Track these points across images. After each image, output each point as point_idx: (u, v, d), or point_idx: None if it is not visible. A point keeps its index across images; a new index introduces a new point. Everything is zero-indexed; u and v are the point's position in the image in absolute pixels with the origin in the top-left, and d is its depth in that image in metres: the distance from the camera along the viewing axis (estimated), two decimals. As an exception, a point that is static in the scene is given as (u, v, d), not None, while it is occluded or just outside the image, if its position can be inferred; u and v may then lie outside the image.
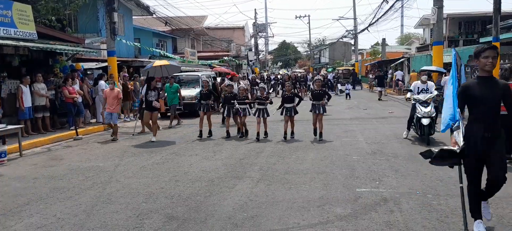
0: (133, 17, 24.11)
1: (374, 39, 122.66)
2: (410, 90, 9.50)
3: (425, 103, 8.81)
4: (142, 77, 15.80)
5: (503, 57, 15.69)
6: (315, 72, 44.86)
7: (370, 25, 32.96)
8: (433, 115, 8.67)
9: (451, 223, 4.19)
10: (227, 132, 10.29)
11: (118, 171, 6.99)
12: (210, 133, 10.51)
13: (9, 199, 5.54)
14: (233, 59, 36.33)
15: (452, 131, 3.78)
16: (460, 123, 3.83)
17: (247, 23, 51.42)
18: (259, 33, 48.48)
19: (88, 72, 15.33)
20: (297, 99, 9.71)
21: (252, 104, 10.62)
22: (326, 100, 9.66)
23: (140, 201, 5.23)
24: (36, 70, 12.04)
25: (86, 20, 18.34)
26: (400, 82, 24.18)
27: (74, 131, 11.09)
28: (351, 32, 43.00)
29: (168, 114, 13.56)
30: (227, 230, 4.21)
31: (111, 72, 14.68)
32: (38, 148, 9.78)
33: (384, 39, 35.84)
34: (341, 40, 53.00)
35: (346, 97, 23.01)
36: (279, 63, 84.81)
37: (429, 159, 3.84)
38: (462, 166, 3.94)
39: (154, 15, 22.29)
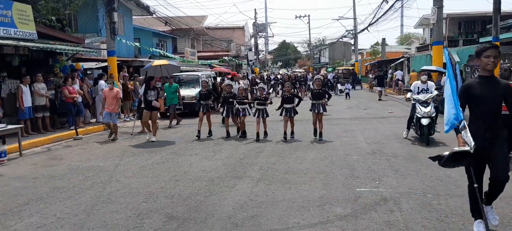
0: (133, 17, 24.11)
1: (374, 39, 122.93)
2: (410, 90, 9.48)
3: (425, 103, 8.79)
4: (140, 77, 15.82)
5: (503, 57, 15.70)
6: (315, 72, 44.88)
7: (370, 25, 32.96)
8: (433, 115, 8.65)
9: (451, 223, 4.19)
10: (227, 132, 10.29)
11: (118, 170, 7.00)
12: (210, 132, 10.51)
13: (9, 198, 5.54)
14: (233, 59, 36.34)
15: (456, 131, 3.70)
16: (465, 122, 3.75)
17: (247, 23, 51.49)
18: (259, 33, 48.47)
19: (88, 72, 15.34)
20: (296, 100, 9.70)
21: (251, 104, 10.60)
22: (326, 100, 9.65)
23: (140, 200, 5.24)
24: (36, 70, 12.04)
25: (86, 20, 18.34)
26: (400, 82, 24.19)
27: (74, 131, 11.10)
28: (351, 32, 42.99)
29: (168, 114, 13.56)
30: (227, 229, 4.21)
31: (111, 72, 14.69)
32: (38, 147, 9.78)
33: (384, 39, 35.84)
34: (341, 40, 52.99)
35: (346, 97, 23.03)
36: (279, 63, 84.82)
37: (439, 161, 3.69)
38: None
39: (154, 15, 22.29)
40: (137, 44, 20.81)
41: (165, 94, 13.08)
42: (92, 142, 10.40)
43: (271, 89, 27.53)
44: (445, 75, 12.52)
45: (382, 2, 27.15)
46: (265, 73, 42.11)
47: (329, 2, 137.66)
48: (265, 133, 9.88)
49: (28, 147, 9.57)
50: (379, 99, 20.95)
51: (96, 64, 16.68)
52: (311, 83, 19.24)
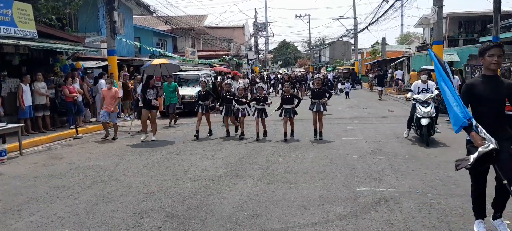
0: (133, 16, 24.11)
1: (374, 38, 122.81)
2: (410, 90, 9.45)
3: (425, 103, 8.73)
4: (138, 76, 15.84)
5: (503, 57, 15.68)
6: (315, 71, 44.88)
7: (370, 24, 32.95)
8: (433, 115, 8.61)
9: (451, 222, 4.19)
10: (227, 131, 10.29)
11: (118, 169, 7.00)
12: (210, 132, 10.50)
13: (9, 197, 5.55)
14: (233, 59, 36.35)
15: (466, 130, 3.52)
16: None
17: (247, 22, 51.48)
18: (259, 32, 48.45)
19: (88, 71, 15.35)
20: (296, 101, 9.67)
21: (250, 104, 10.54)
22: (326, 99, 9.61)
23: (140, 199, 5.24)
24: (37, 69, 12.05)
25: (86, 19, 18.34)
26: (400, 81, 24.19)
27: (74, 130, 11.10)
28: (351, 32, 42.98)
29: (168, 113, 13.54)
30: (227, 229, 4.21)
31: (111, 71, 14.68)
32: (38, 146, 9.79)
33: (384, 39, 35.81)
34: (341, 39, 52.98)
35: (346, 96, 23.03)
36: (279, 63, 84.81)
37: (467, 167, 3.47)
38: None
39: (154, 14, 22.27)
40: (137, 43, 20.81)
41: (164, 93, 13.07)
42: (92, 141, 10.40)
43: (271, 88, 27.54)
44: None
45: (382, 2, 27.17)
46: (265, 73, 42.09)
47: (329, 1, 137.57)
48: (265, 132, 9.87)
49: (28, 146, 9.58)
50: (379, 99, 20.96)
51: (96, 63, 16.69)
52: (311, 82, 19.24)
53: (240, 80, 19.25)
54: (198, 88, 10.74)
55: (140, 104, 10.77)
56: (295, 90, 22.20)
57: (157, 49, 22.45)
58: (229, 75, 20.68)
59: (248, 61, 42.33)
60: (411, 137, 9.27)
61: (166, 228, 4.27)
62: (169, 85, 13.37)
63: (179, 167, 7.02)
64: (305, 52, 79.63)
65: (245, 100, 10.23)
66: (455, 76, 11.69)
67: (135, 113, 13.42)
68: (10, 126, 8.91)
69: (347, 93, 23.39)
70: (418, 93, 9.06)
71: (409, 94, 9.58)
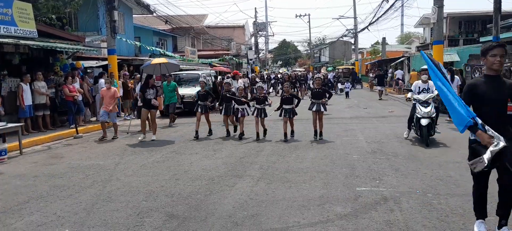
0: (134, 15, 24.09)
1: (374, 38, 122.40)
2: (411, 90, 9.42)
3: (425, 103, 8.69)
4: (138, 75, 15.84)
5: (503, 57, 15.68)
6: (315, 71, 44.87)
7: (370, 24, 32.97)
8: (433, 115, 8.57)
9: (451, 222, 4.19)
10: (227, 131, 10.28)
11: (118, 169, 7.00)
12: (210, 132, 10.49)
13: (9, 197, 5.55)
14: (233, 58, 36.34)
15: (471, 130, 3.48)
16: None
17: (247, 22, 51.47)
18: (259, 32, 48.44)
19: (88, 70, 15.34)
20: (296, 101, 9.65)
21: (249, 104, 10.50)
22: (326, 99, 9.59)
23: (141, 199, 5.24)
24: (37, 68, 12.05)
25: (86, 18, 18.33)
26: (400, 81, 24.19)
27: (74, 129, 11.10)
28: (351, 31, 42.98)
29: (169, 113, 13.53)
30: (227, 228, 4.21)
31: (111, 71, 14.68)
32: (38, 146, 9.79)
33: (384, 38, 35.84)
34: (341, 39, 53.00)
35: (346, 96, 23.03)
36: (279, 62, 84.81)
37: (485, 167, 3.39)
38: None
39: (154, 14, 22.27)
40: (138, 43, 20.81)
41: (163, 93, 13.06)
42: (93, 140, 10.40)
43: (271, 88, 27.54)
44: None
45: (382, 2, 27.19)
46: (265, 72, 42.08)
47: (330, 1, 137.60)
48: (265, 131, 9.85)
49: (29, 145, 9.57)
50: (380, 99, 20.96)
51: (96, 62, 16.69)
52: (311, 82, 19.24)
53: (240, 80, 19.25)
54: (198, 88, 10.70)
55: (140, 104, 10.76)
56: (295, 90, 22.21)
57: (157, 49, 22.46)
58: (229, 75, 20.67)
59: (248, 61, 42.33)
60: (411, 137, 9.26)
61: (166, 228, 4.26)
62: (168, 84, 13.36)
63: (179, 167, 7.02)
64: (305, 52, 79.63)
65: (245, 99, 10.20)
66: (455, 76, 11.72)
67: (135, 113, 13.43)
68: (10, 125, 8.91)
69: (347, 93, 23.38)
70: (418, 93, 9.01)
71: (409, 94, 9.55)
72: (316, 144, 8.85)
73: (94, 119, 13.83)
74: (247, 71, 33.39)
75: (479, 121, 3.43)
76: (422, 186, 5.46)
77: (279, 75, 33.09)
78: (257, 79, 23.29)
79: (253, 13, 46.98)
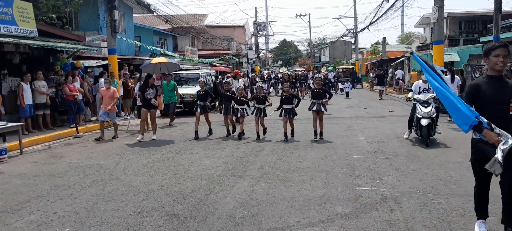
0: (134, 15, 24.09)
1: (375, 38, 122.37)
2: (411, 90, 9.40)
3: (425, 103, 8.67)
4: (137, 74, 15.83)
5: (503, 57, 15.66)
6: (315, 71, 44.84)
7: (370, 24, 32.98)
8: (434, 115, 8.54)
9: (452, 222, 4.18)
10: (227, 130, 10.27)
11: (118, 168, 7.00)
12: (210, 131, 10.48)
13: (9, 196, 5.55)
14: (234, 58, 36.33)
15: (476, 129, 3.44)
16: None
17: (248, 22, 51.48)
18: (260, 32, 48.42)
19: (89, 70, 15.34)
20: (296, 101, 9.64)
21: (249, 103, 10.48)
22: (326, 100, 9.58)
23: (141, 199, 5.24)
24: (37, 67, 12.05)
25: (86, 18, 18.33)
26: (400, 81, 24.19)
27: (75, 129, 11.10)
28: (352, 31, 42.97)
29: (169, 112, 13.52)
30: (227, 228, 4.21)
31: (111, 70, 14.68)
32: (38, 145, 9.79)
33: (384, 38, 35.80)
34: (341, 39, 52.99)
35: (346, 96, 23.02)
36: (280, 62, 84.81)
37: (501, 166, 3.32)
38: None
39: (154, 13, 22.27)
40: (138, 42, 20.80)
41: (163, 92, 13.05)
42: (93, 140, 10.39)
43: (272, 88, 27.54)
44: (445, 75, 12.46)
45: (383, 1, 27.19)
46: (265, 72, 42.09)
47: (330, 1, 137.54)
48: (264, 130, 9.83)
49: (29, 144, 9.57)
50: (380, 99, 20.95)
51: (96, 62, 16.69)
52: (311, 82, 19.22)
53: (241, 80, 19.27)
54: (199, 87, 10.67)
55: (139, 103, 10.71)
56: (295, 89, 22.19)
57: (157, 48, 22.44)
58: (229, 75, 20.67)
59: (248, 61, 42.31)
60: (411, 137, 9.23)
61: (167, 227, 4.26)
62: (168, 84, 13.34)
63: (179, 166, 7.02)
64: (306, 52, 79.63)
65: (245, 99, 10.18)
66: (455, 76, 11.72)
67: (135, 112, 13.42)
68: (10, 124, 8.91)
69: (347, 93, 23.37)
70: (419, 93, 8.99)
71: (410, 94, 9.53)
72: (316, 144, 8.84)
73: (94, 118, 13.82)
74: (247, 71, 33.37)
75: (485, 120, 3.40)
76: (423, 186, 5.46)
77: (279, 75, 33.09)
78: (257, 79, 23.29)
79: (253, 13, 47.01)
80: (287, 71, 38.99)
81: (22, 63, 11.78)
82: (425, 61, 3.89)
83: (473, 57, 16.78)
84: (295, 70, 44.00)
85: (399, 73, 25.29)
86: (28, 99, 10.81)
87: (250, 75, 27.16)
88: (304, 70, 41.08)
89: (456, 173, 6.08)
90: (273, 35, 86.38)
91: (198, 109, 10.26)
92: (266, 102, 9.77)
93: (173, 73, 15.52)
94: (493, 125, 3.38)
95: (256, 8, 45.75)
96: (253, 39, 47.46)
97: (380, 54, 36.68)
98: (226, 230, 4.16)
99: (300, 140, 9.32)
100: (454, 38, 28.92)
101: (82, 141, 10.24)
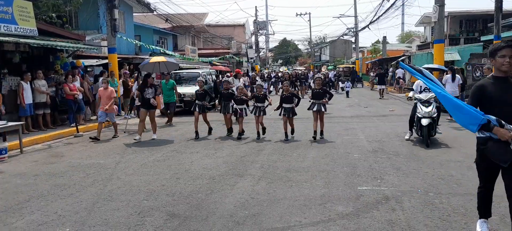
0: (134, 14, 24.07)
1: (375, 37, 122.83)
2: (412, 89, 9.37)
3: (426, 102, 8.64)
4: (135, 74, 15.81)
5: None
6: (315, 70, 44.85)
7: (371, 23, 32.92)
8: (434, 115, 8.50)
9: (453, 222, 4.17)
10: (228, 130, 10.26)
11: (119, 168, 6.99)
12: (209, 131, 10.45)
13: (10, 195, 5.54)
14: (234, 57, 36.33)
15: (484, 128, 3.38)
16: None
17: (248, 21, 51.48)
18: (260, 31, 48.43)
19: (89, 69, 15.33)
20: (296, 100, 9.61)
21: (248, 103, 10.43)
22: (327, 100, 9.54)
23: (141, 198, 5.23)
24: (37, 67, 12.03)
25: (86, 17, 18.32)
26: (401, 80, 24.18)
27: (75, 128, 11.09)
28: (352, 30, 42.94)
29: (169, 111, 13.50)
30: (228, 228, 4.20)
31: (111, 69, 14.66)
32: (38, 144, 9.78)
33: (385, 37, 35.77)
34: (342, 38, 52.98)
35: (346, 95, 23.00)
36: (280, 61, 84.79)
37: None
38: None
39: (154, 12, 22.25)
40: (138, 41, 20.78)
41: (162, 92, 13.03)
42: (88, 138, 10.37)
43: (272, 87, 27.52)
44: (445, 74, 12.46)
45: (383, 0, 27.14)
46: (265, 71, 42.06)
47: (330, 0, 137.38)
48: (264, 129, 9.80)
49: (29, 144, 9.56)
50: (380, 98, 20.93)
51: (96, 61, 16.67)
52: (311, 81, 19.19)
53: (241, 79, 19.27)
54: (197, 87, 10.63)
55: (137, 103, 10.66)
56: (295, 88, 22.17)
57: (157, 47, 22.42)
58: (229, 75, 20.66)
59: (249, 60, 42.31)
60: (412, 137, 9.18)
61: (167, 227, 4.25)
62: (166, 83, 13.29)
63: (180, 166, 7.01)
64: (306, 51, 79.60)
65: (245, 98, 10.15)
66: (456, 75, 11.70)
67: (135, 112, 13.40)
68: (10, 123, 8.89)
69: (347, 93, 23.35)
70: (420, 92, 8.95)
71: (411, 94, 9.50)
72: (317, 143, 8.83)
73: (94, 117, 13.80)
74: (247, 70, 33.36)
75: (493, 117, 3.33)
76: (424, 185, 5.45)
77: (279, 74, 33.06)
78: (257, 78, 23.27)
79: (253, 12, 47.06)
80: (287, 71, 38.99)
81: (22, 62, 11.77)
82: (413, 66, 3.85)
83: (473, 56, 16.76)
84: (295, 69, 43.96)
85: (399, 72, 25.28)
86: (28, 98, 10.80)
87: (250, 74, 27.15)
88: (305, 69, 41.07)
89: (457, 172, 6.07)
90: (273, 34, 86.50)
91: (197, 109, 10.24)
92: (266, 101, 9.75)
93: (173, 73, 15.51)
94: (503, 122, 3.32)
95: (256, 7, 45.87)
96: (253, 38, 47.50)
97: (381, 53, 36.66)
98: (227, 230, 4.15)
99: (301, 140, 9.30)
100: (454, 37, 28.90)
101: (82, 140, 10.23)
